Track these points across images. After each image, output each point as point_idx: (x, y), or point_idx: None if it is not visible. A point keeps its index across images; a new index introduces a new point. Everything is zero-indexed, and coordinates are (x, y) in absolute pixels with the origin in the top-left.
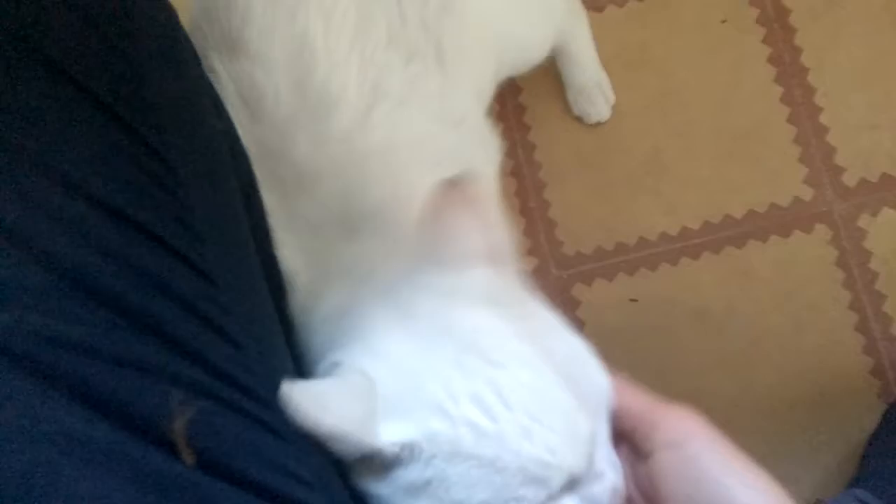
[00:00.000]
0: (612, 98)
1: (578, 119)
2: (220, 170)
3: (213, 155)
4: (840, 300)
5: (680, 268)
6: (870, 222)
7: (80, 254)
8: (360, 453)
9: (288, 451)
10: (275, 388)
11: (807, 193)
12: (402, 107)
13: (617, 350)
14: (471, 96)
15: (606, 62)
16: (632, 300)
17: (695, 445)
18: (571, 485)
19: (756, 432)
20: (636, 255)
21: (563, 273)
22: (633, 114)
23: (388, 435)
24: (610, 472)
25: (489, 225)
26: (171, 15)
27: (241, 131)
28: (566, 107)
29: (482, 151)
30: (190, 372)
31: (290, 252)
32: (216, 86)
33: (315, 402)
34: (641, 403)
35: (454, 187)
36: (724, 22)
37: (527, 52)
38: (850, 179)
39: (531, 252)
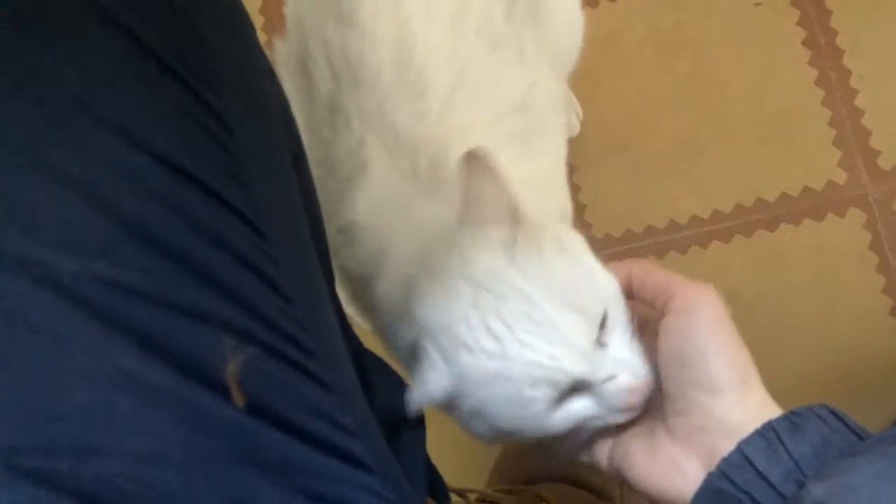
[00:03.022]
0: (580, 113)
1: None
2: (272, 132)
3: (267, 118)
4: (874, 285)
5: (711, 251)
6: None
7: (141, 205)
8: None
9: (331, 401)
10: (320, 339)
11: (841, 177)
12: (482, 92)
13: None
14: (541, 87)
15: (639, 45)
16: None
17: (699, 314)
18: (582, 386)
19: None
20: (666, 238)
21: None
22: (665, 96)
23: (437, 390)
24: (624, 372)
25: (505, 188)
26: None
27: (342, 88)
28: (596, 89)
29: (545, 133)
30: (242, 320)
31: (366, 205)
32: (326, 44)
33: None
34: (665, 277)
35: (478, 158)
36: (758, 4)
37: (572, 62)
38: (885, 163)
39: None
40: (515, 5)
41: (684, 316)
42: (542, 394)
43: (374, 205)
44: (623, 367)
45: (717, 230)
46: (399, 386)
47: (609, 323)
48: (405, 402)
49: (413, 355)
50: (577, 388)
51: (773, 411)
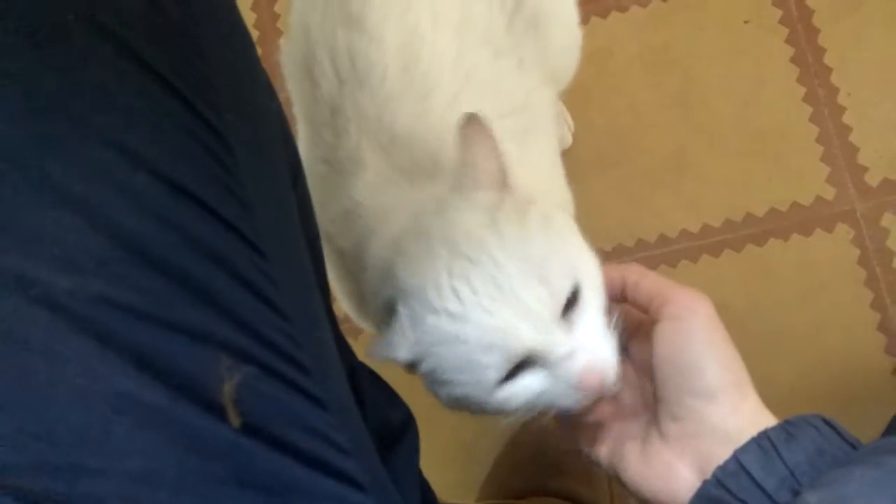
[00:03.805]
0: (572, 126)
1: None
2: (271, 148)
3: (266, 134)
4: (862, 299)
5: (701, 265)
6: (892, 221)
7: (140, 223)
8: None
9: (327, 419)
10: (316, 357)
11: (829, 192)
12: (485, 94)
13: None
14: (538, 93)
15: (630, 62)
16: None
17: (693, 321)
18: (538, 361)
19: None
20: (657, 252)
21: None
22: (655, 112)
23: (402, 351)
24: (583, 352)
25: (498, 154)
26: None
27: (344, 90)
28: (587, 104)
29: (544, 132)
30: (239, 339)
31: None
32: (332, 49)
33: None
34: (657, 282)
35: (476, 122)
36: (747, 22)
37: (569, 76)
38: (872, 179)
39: None
40: (516, 18)
41: (678, 323)
42: (494, 360)
43: (372, 188)
44: (583, 347)
45: (707, 244)
46: (393, 399)
47: (581, 303)
48: (398, 412)
49: (387, 316)
50: (533, 362)
51: (767, 419)
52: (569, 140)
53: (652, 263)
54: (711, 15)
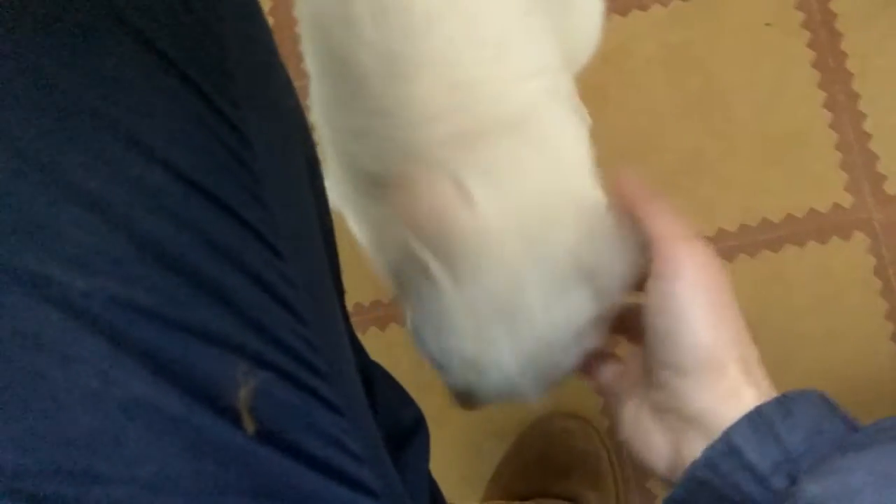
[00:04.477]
0: (589, 122)
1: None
2: (290, 145)
3: (285, 130)
4: (877, 309)
5: None
6: None
7: (157, 223)
8: None
9: (342, 425)
10: (332, 361)
11: (846, 200)
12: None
13: None
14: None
15: (649, 61)
16: None
17: (675, 284)
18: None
19: None
20: None
21: None
22: (672, 113)
23: None
24: None
25: None
26: None
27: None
28: (604, 103)
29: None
30: (256, 343)
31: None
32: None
33: None
34: (658, 227)
35: None
36: (768, 25)
37: (583, 61)
38: (891, 188)
39: None
40: None
41: (661, 283)
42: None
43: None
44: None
45: (722, 249)
46: (404, 398)
47: None
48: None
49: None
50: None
51: (743, 403)
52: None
53: None
54: (733, 16)
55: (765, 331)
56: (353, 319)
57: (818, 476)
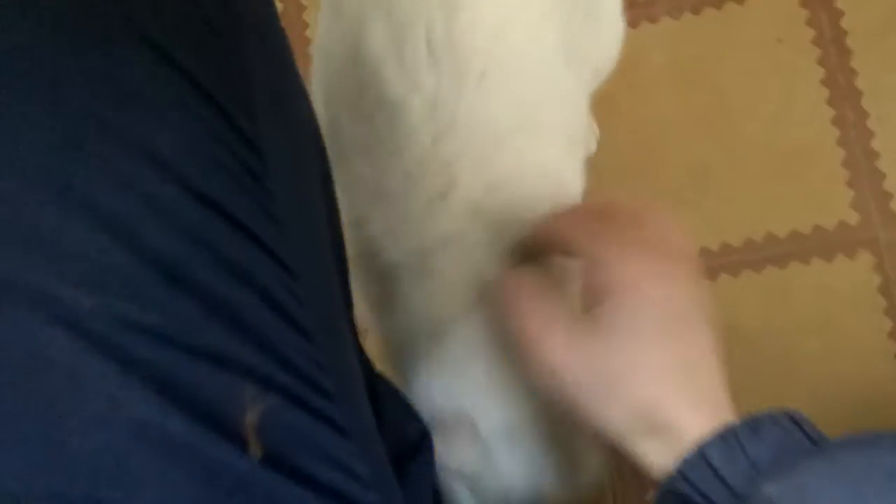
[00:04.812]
0: (597, 132)
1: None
2: (304, 159)
3: (300, 143)
4: (881, 328)
5: (719, 284)
6: None
7: (167, 240)
8: None
9: (349, 449)
10: (340, 381)
11: (853, 218)
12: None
13: None
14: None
15: (658, 74)
16: None
17: (612, 323)
18: None
19: None
20: None
21: None
22: (680, 126)
23: None
24: None
25: None
26: (268, 3)
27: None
28: (612, 114)
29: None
30: (264, 365)
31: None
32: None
33: None
34: (587, 250)
35: None
36: (779, 41)
37: (606, 71)
38: None
39: None
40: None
41: (592, 323)
42: None
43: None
44: None
45: (727, 263)
46: (410, 412)
47: None
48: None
49: None
50: None
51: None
52: (593, 147)
53: None
54: (744, 31)
55: (767, 346)
56: None
57: (775, 476)
